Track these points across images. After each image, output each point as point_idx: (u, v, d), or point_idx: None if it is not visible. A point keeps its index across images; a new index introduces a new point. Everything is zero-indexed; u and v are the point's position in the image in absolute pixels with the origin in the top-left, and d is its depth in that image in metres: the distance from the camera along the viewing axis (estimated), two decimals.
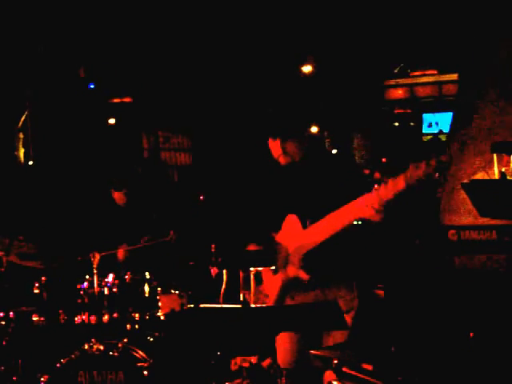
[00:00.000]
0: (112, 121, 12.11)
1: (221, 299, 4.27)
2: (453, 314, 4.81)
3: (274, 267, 4.07)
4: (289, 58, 11.27)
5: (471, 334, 4.12)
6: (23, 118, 10.76)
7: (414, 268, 5.38)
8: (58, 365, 4.53)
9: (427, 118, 13.75)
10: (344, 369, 3.44)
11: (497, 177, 4.85)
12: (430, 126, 13.84)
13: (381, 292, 5.60)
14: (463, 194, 5.19)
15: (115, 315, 4.74)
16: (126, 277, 4.87)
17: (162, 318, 4.85)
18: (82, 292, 4.78)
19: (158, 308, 4.86)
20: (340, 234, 3.86)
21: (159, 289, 4.93)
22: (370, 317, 4.46)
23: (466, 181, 5.16)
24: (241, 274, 4.09)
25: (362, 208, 3.71)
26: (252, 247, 4.19)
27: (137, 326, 4.77)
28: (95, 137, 11.10)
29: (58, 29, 10.18)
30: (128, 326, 4.76)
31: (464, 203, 5.60)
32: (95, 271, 4.75)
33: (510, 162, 4.94)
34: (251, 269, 3.99)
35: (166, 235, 5.28)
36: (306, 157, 4.09)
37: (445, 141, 6.23)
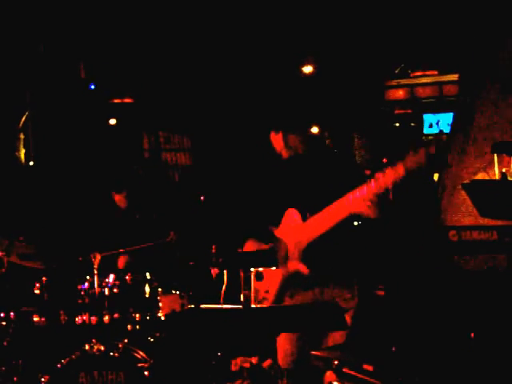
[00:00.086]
0: (113, 121, 12.11)
1: (221, 300, 4.27)
2: (453, 315, 4.81)
3: (274, 268, 4.08)
4: (289, 58, 11.27)
5: (472, 335, 4.13)
6: (24, 119, 10.77)
7: (414, 268, 5.38)
8: (58, 365, 4.53)
9: (428, 118, 13.74)
10: (344, 369, 3.44)
11: (497, 177, 4.85)
12: (430, 126, 13.85)
13: (381, 292, 5.60)
14: (464, 195, 5.19)
15: (116, 316, 4.74)
16: (127, 277, 4.87)
17: (162, 318, 4.85)
18: (82, 292, 4.78)
19: (159, 308, 4.86)
20: (339, 228, 3.87)
21: (160, 289, 4.93)
22: (370, 317, 4.47)
23: (466, 181, 5.16)
24: (241, 274, 4.09)
25: (360, 200, 3.72)
26: (251, 243, 4.19)
27: (137, 327, 4.77)
28: (96, 137, 11.10)
29: (58, 29, 10.18)
30: (129, 326, 4.76)
31: (464, 204, 5.60)
32: (96, 272, 4.75)
33: (510, 163, 4.94)
34: (252, 269, 4.00)
35: (167, 236, 5.28)
36: (308, 150, 4.11)
37: (446, 141, 6.24)
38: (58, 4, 9.88)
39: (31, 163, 10.75)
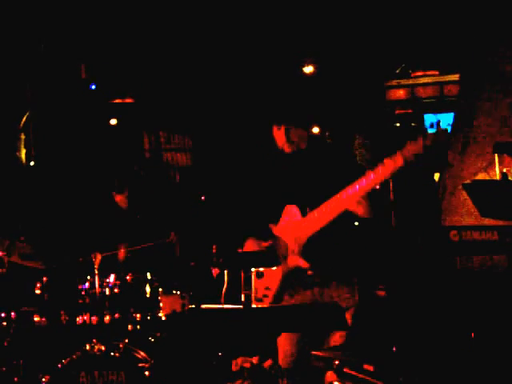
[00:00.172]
0: (113, 121, 12.10)
1: (222, 300, 4.27)
2: (454, 315, 4.81)
3: (274, 268, 4.08)
4: (290, 58, 11.27)
5: (472, 335, 4.13)
6: (24, 119, 10.76)
7: (415, 268, 5.38)
8: (59, 365, 4.54)
9: (428, 118, 13.73)
10: (345, 369, 3.44)
11: (498, 177, 4.85)
12: (431, 126, 13.85)
13: (382, 292, 5.60)
14: (464, 195, 5.19)
15: (116, 316, 4.75)
16: (128, 277, 4.87)
17: (163, 318, 4.85)
18: (83, 292, 4.78)
19: (160, 308, 4.86)
20: (340, 227, 3.87)
21: (160, 289, 4.93)
22: (371, 317, 4.47)
23: (467, 181, 5.16)
24: (242, 274, 4.10)
25: (356, 194, 3.72)
26: (251, 241, 4.19)
27: (138, 327, 4.77)
28: (96, 138, 11.10)
29: (58, 29, 10.18)
30: (129, 326, 4.76)
31: (465, 204, 5.60)
32: (96, 272, 4.75)
33: (511, 163, 4.94)
34: (252, 269, 4.00)
35: (167, 236, 5.28)
36: (309, 146, 4.11)
37: (445, 139, 6.25)
38: (58, 4, 9.88)
39: (32, 163, 10.74)
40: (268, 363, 4.18)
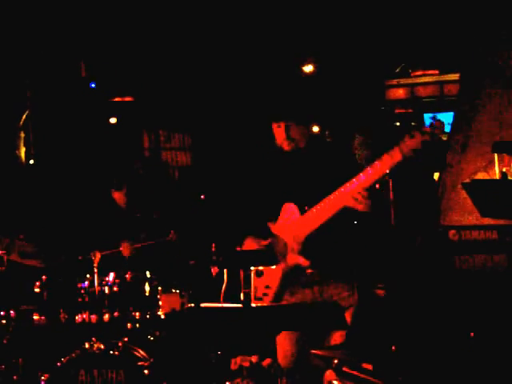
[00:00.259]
0: (113, 120, 12.09)
1: (221, 298, 4.27)
2: (453, 314, 4.81)
3: (274, 266, 4.08)
4: (290, 57, 11.26)
5: (472, 334, 4.13)
6: (24, 117, 10.76)
7: (414, 268, 5.38)
8: (58, 364, 4.54)
9: (428, 117, 13.72)
10: (344, 368, 3.44)
11: (498, 177, 4.85)
12: (431, 125, 13.84)
13: (381, 292, 5.60)
14: (464, 194, 5.18)
15: (116, 314, 4.75)
16: (127, 276, 4.87)
17: (162, 317, 4.85)
18: (82, 291, 4.78)
19: (159, 307, 4.86)
20: (339, 226, 3.87)
21: (160, 288, 4.93)
22: (370, 316, 4.47)
23: (466, 181, 5.16)
24: (241, 273, 4.09)
25: (355, 190, 3.72)
26: (250, 240, 4.19)
27: (137, 325, 4.77)
28: (96, 136, 11.09)
29: (58, 27, 10.17)
30: (128, 325, 4.76)
31: (465, 203, 5.59)
32: (96, 270, 4.75)
33: (511, 162, 4.94)
34: (252, 268, 4.00)
35: (167, 234, 5.28)
36: (309, 144, 4.11)
37: (445, 140, 6.23)
38: (58, 3, 9.87)
39: (31, 162, 10.74)
40: (267, 362, 4.18)
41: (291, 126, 4.06)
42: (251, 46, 10.93)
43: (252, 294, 4.00)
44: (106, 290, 4.77)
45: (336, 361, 3.48)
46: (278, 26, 10.65)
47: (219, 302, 4.28)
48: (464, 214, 5.71)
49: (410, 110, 13.83)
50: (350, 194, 3.77)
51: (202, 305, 5.05)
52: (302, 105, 4.20)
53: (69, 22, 10.23)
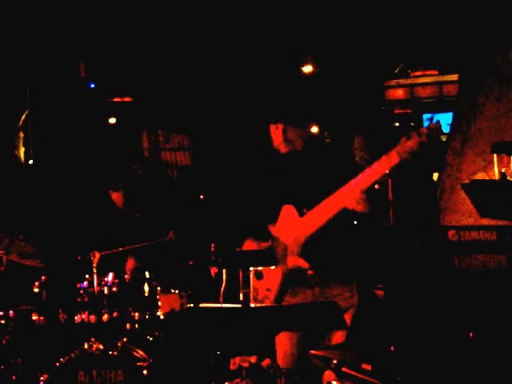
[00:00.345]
0: (112, 120, 12.10)
1: (220, 299, 4.27)
2: (452, 315, 4.81)
3: (273, 267, 4.07)
4: (289, 57, 11.27)
5: (471, 335, 4.12)
6: (23, 117, 10.76)
7: (413, 268, 5.38)
8: (57, 364, 4.53)
9: (426, 119, 13.73)
10: (343, 369, 3.44)
11: (497, 177, 4.84)
12: (428, 127, 13.85)
13: (380, 292, 5.60)
14: (463, 195, 5.18)
15: (115, 314, 4.75)
16: (126, 276, 4.87)
17: (161, 317, 4.85)
18: (81, 291, 4.78)
19: (158, 307, 4.86)
20: (338, 226, 3.86)
21: (159, 288, 4.93)
22: (369, 317, 4.47)
23: (466, 181, 5.16)
24: (240, 273, 4.09)
25: (354, 191, 3.72)
26: (250, 242, 4.19)
27: (136, 326, 4.77)
28: (96, 136, 11.10)
29: (58, 28, 10.18)
30: (128, 325, 4.76)
31: (464, 203, 5.59)
32: (95, 270, 4.75)
33: (510, 163, 4.94)
34: (251, 268, 4.00)
35: (166, 235, 5.28)
36: (306, 146, 4.10)
37: (445, 141, 6.23)
38: (58, 4, 9.87)
39: (31, 162, 10.74)
40: (266, 362, 4.18)
41: (289, 127, 4.05)
42: (250, 47, 10.94)
43: (251, 294, 3.99)
44: (105, 290, 4.77)
45: (335, 361, 3.48)
46: (278, 27, 10.66)
47: (218, 303, 4.29)
48: (463, 214, 5.71)
49: (410, 111, 13.85)
50: (349, 195, 3.76)
51: (201, 305, 5.06)
52: (300, 106, 4.20)
53: (68, 22, 10.24)
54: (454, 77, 9.28)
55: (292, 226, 4.00)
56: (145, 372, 4.50)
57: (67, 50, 10.68)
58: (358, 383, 3.36)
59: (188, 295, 5.08)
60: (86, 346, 4.61)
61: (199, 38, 10.81)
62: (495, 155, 4.95)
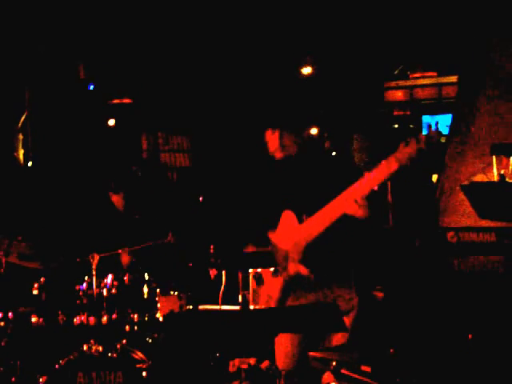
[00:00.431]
0: (112, 122, 12.10)
1: (220, 300, 4.27)
2: (452, 316, 4.81)
3: (272, 269, 4.07)
4: (288, 59, 11.27)
5: (470, 336, 4.13)
6: (23, 119, 10.76)
7: (413, 270, 5.38)
8: (56, 366, 4.53)
9: (426, 119, 13.73)
10: (342, 370, 3.44)
11: (496, 179, 4.85)
12: (429, 126, 13.85)
13: (380, 294, 5.60)
14: (462, 196, 5.19)
15: (114, 316, 4.74)
16: (125, 278, 4.87)
17: (160, 319, 4.85)
18: (80, 293, 4.78)
19: (157, 309, 4.86)
20: (338, 229, 3.86)
21: (158, 290, 4.93)
22: (368, 318, 4.47)
23: (465, 183, 5.16)
24: (240, 275, 4.09)
25: (353, 197, 3.71)
26: (250, 249, 4.18)
27: (136, 328, 4.77)
28: (95, 138, 11.10)
29: (58, 29, 10.18)
30: (127, 327, 4.76)
31: (463, 205, 5.60)
32: (94, 272, 4.75)
33: (509, 164, 4.94)
34: (250, 270, 4.00)
35: (165, 236, 5.28)
36: (301, 152, 4.10)
37: (444, 142, 6.24)
38: (57, 4, 9.88)
39: (30, 163, 10.74)
40: (265, 364, 4.18)
41: (285, 133, 4.05)
42: (249, 49, 10.94)
43: (251, 296, 3.99)
44: (105, 292, 4.77)
45: (334, 363, 3.48)
46: (277, 29, 10.66)
47: (217, 304, 4.29)
48: (462, 215, 5.71)
49: (409, 112, 13.85)
50: (349, 202, 3.76)
51: (201, 307, 5.06)
52: (297, 111, 4.19)
53: (68, 24, 10.24)
54: (453, 78, 9.29)
55: (292, 233, 4.00)
56: (144, 374, 4.50)
57: (66, 51, 10.68)
58: None
59: (187, 297, 5.07)
60: (85, 347, 4.60)
61: (198, 39, 10.82)
62: (494, 157, 4.95)
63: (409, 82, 13.60)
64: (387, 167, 3.66)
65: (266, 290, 4.13)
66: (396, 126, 13.78)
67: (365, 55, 11.54)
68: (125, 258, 5.41)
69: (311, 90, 11.38)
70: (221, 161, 11.21)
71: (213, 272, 4.25)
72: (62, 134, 10.56)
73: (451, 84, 11.76)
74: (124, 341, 4.70)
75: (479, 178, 5.59)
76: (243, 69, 11.05)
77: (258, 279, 4.09)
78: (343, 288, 4.09)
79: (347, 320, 3.89)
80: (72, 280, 4.85)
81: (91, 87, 11.59)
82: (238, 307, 4.25)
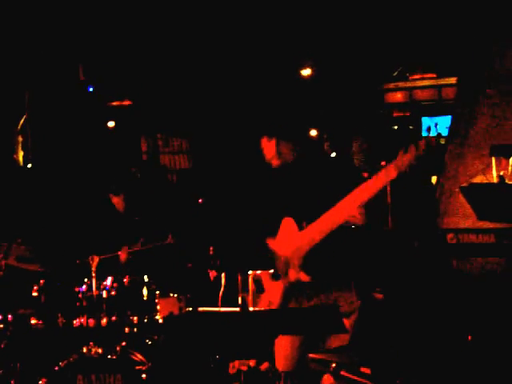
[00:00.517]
0: (111, 124, 12.11)
1: (219, 302, 4.27)
2: (451, 318, 4.81)
3: (272, 270, 4.07)
4: (288, 61, 11.28)
5: (469, 337, 4.13)
6: (22, 121, 10.76)
7: (412, 271, 5.38)
8: (56, 368, 4.53)
9: (426, 121, 13.75)
10: (342, 372, 3.44)
11: (495, 180, 4.85)
12: (428, 129, 13.86)
13: (379, 295, 5.60)
14: (462, 198, 5.19)
15: (113, 318, 4.74)
16: (125, 280, 4.87)
17: (160, 321, 4.85)
18: (80, 295, 4.77)
19: (157, 311, 4.86)
20: (337, 233, 3.86)
21: (158, 292, 4.93)
22: (368, 320, 4.47)
23: (464, 184, 5.16)
24: (239, 277, 4.09)
25: (353, 205, 3.71)
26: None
27: (135, 330, 4.76)
28: (94, 140, 11.10)
29: (57, 31, 10.18)
30: (126, 329, 4.76)
31: (462, 206, 5.59)
32: (94, 274, 4.75)
33: (508, 166, 4.94)
34: (249, 272, 3.99)
35: (165, 238, 5.28)
36: (298, 159, 4.10)
37: (444, 144, 6.24)
38: (57, 6, 9.88)
39: (29, 165, 10.74)
40: (265, 366, 4.18)
41: (281, 141, 4.05)
42: (249, 51, 10.94)
43: (250, 298, 3.99)
44: (104, 294, 4.77)
45: (334, 364, 3.48)
46: (276, 31, 10.67)
47: (217, 306, 4.29)
48: (462, 217, 5.71)
49: (408, 114, 13.86)
50: (348, 210, 3.75)
51: (200, 309, 5.06)
52: (295, 118, 4.19)
53: (67, 25, 10.24)
54: (453, 80, 9.29)
55: (292, 239, 4.00)
56: (144, 376, 4.49)
57: (66, 53, 10.69)
58: None
59: (187, 299, 5.07)
60: (84, 350, 4.60)
61: (198, 41, 10.82)
62: (493, 158, 4.95)
63: (408, 84, 13.61)
64: (386, 175, 3.66)
65: (266, 296, 4.12)
66: (395, 127, 13.79)
67: (364, 57, 11.54)
68: (123, 256, 5.41)
69: (311, 91, 11.39)
70: (220, 163, 11.21)
71: (212, 274, 4.24)
72: (61, 135, 10.57)
73: (451, 85, 11.76)
74: (123, 343, 4.69)
75: (479, 179, 5.59)
76: (243, 71, 11.06)
77: (258, 286, 4.08)
78: (344, 292, 4.08)
79: (348, 322, 3.89)
80: (72, 282, 4.85)
81: (91, 89, 11.59)
82: (237, 309, 4.24)
